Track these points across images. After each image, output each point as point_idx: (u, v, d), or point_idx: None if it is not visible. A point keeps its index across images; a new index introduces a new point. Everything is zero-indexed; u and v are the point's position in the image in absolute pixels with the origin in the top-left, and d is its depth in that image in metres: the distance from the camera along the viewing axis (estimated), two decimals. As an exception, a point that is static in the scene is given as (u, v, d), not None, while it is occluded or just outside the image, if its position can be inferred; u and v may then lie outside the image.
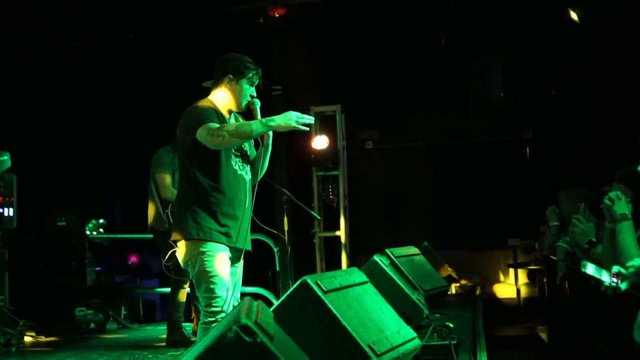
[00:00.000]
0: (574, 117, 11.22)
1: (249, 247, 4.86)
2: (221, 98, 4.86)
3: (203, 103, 4.78)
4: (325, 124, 10.22)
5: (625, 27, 10.07)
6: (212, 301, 4.56)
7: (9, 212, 9.16)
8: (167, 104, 7.80)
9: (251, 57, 4.95)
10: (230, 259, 4.73)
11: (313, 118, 4.71)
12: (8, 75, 9.89)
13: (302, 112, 9.08)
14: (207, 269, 4.57)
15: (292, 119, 4.58)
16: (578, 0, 9.60)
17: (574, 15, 9.61)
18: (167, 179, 7.23)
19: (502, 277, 11.87)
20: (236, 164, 4.79)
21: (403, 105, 11.68)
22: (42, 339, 8.52)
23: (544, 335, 9.39)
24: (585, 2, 9.63)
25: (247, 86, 4.86)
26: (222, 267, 4.62)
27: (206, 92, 4.96)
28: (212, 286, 4.56)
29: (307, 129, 4.69)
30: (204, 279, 4.58)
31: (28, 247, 9.57)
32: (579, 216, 5.23)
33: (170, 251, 5.97)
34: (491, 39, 10.79)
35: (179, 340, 7.39)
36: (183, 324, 7.66)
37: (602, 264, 4.25)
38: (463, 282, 10.30)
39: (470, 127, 11.79)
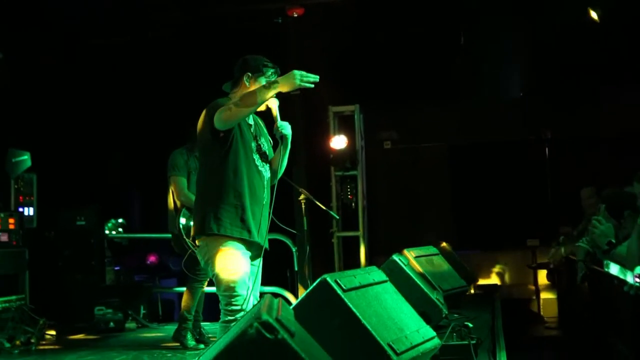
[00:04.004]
0: (592, 117, 11.18)
1: (266, 245, 4.84)
2: (241, 97, 4.85)
3: (222, 99, 4.78)
4: (343, 124, 10.24)
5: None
6: (232, 299, 4.53)
7: (29, 211, 9.23)
8: (186, 103, 7.82)
9: (269, 57, 4.94)
10: (250, 256, 4.73)
11: (318, 77, 4.54)
12: (27, 75, 9.94)
13: (321, 113, 9.06)
14: (228, 268, 4.56)
15: (296, 77, 4.47)
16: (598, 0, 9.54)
17: (594, 15, 9.55)
18: (182, 181, 7.19)
19: (520, 278, 11.82)
20: (257, 160, 4.79)
21: (421, 105, 11.66)
22: (62, 337, 8.55)
23: (562, 336, 9.36)
24: (605, 2, 9.57)
25: (266, 84, 4.84)
26: (243, 266, 4.60)
27: (226, 94, 4.95)
28: (232, 284, 4.53)
29: (312, 86, 4.53)
30: (224, 278, 4.56)
31: (48, 246, 9.62)
32: (599, 217, 5.18)
33: (190, 251, 6.01)
34: (510, 38, 10.74)
35: (178, 339, 7.44)
36: (203, 323, 7.67)
37: (623, 265, 4.22)
38: (482, 282, 10.28)
39: (489, 127, 11.77)
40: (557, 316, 10.17)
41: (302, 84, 4.48)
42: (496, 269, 11.96)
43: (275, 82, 4.53)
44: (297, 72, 4.48)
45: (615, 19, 9.89)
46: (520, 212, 11.60)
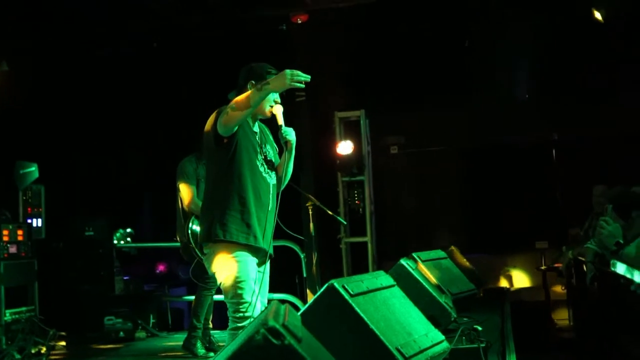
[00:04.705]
0: (600, 118, 11.13)
1: (271, 251, 4.84)
2: (245, 105, 4.84)
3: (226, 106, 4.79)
4: (349, 130, 10.24)
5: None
6: (240, 307, 4.55)
7: (37, 222, 9.24)
8: (193, 110, 7.83)
9: (274, 64, 4.94)
10: (256, 263, 4.73)
11: (309, 76, 4.49)
12: (33, 86, 9.97)
13: (327, 118, 9.07)
14: (235, 275, 4.57)
15: (287, 77, 4.43)
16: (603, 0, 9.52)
17: (598, 16, 9.53)
18: (191, 189, 7.17)
19: (530, 280, 11.80)
20: (261, 166, 4.79)
21: (428, 109, 11.63)
22: (72, 348, 8.57)
23: (573, 337, 9.32)
24: (611, 2, 9.54)
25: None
26: (249, 273, 4.62)
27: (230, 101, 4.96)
28: (239, 292, 4.55)
29: (303, 85, 4.51)
30: (231, 285, 4.57)
31: (57, 257, 9.65)
32: (606, 218, 5.17)
33: (197, 259, 6.02)
34: (516, 40, 10.72)
35: (188, 348, 7.44)
36: (213, 331, 7.68)
37: (632, 265, 4.21)
38: (491, 285, 10.23)
39: (496, 130, 11.73)
40: (567, 318, 10.14)
41: (293, 83, 4.45)
42: (505, 272, 11.93)
43: (267, 83, 4.52)
44: (288, 72, 4.45)
45: (621, 18, 9.87)
46: (528, 215, 11.56)
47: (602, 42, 10.32)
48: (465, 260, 7.74)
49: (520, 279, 11.92)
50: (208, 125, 4.73)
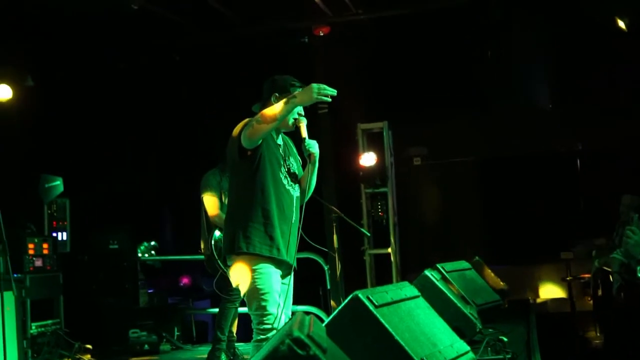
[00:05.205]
0: (624, 127, 11.04)
1: (294, 263, 4.83)
2: (269, 117, 4.85)
3: (251, 119, 4.79)
4: (372, 141, 10.23)
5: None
6: (264, 318, 4.54)
7: (62, 236, 9.31)
8: (217, 123, 7.84)
9: (296, 76, 4.94)
10: (280, 275, 4.72)
11: (335, 90, 4.50)
12: (56, 100, 10.03)
13: (349, 130, 9.08)
14: (259, 287, 4.56)
15: (314, 91, 4.44)
16: (626, 8, 9.46)
17: (621, 24, 9.47)
18: (215, 202, 7.17)
19: (555, 291, 11.71)
20: (284, 178, 4.79)
21: (450, 119, 11.58)
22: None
23: (599, 348, 9.24)
24: (633, 10, 9.49)
25: (294, 104, 4.84)
26: (273, 285, 4.61)
27: (255, 114, 4.96)
28: (263, 303, 4.54)
29: (330, 99, 4.51)
30: (255, 297, 4.57)
31: (82, 270, 9.68)
32: (632, 227, 5.14)
33: (221, 271, 6.02)
34: (538, 50, 10.68)
35: None
36: (237, 343, 7.66)
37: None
38: (516, 296, 10.17)
39: (519, 140, 11.68)
40: (594, 329, 10.06)
41: (320, 97, 4.46)
42: (530, 282, 11.85)
43: (293, 96, 4.52)
44: (314, 86, 4.46)
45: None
46: (553, 225, 11.48)
47: (624, 50, 10.25)
48: (490, 271, 7.70)
49: (546, 290, 11.84)
50: (233, 137, 4.73)
